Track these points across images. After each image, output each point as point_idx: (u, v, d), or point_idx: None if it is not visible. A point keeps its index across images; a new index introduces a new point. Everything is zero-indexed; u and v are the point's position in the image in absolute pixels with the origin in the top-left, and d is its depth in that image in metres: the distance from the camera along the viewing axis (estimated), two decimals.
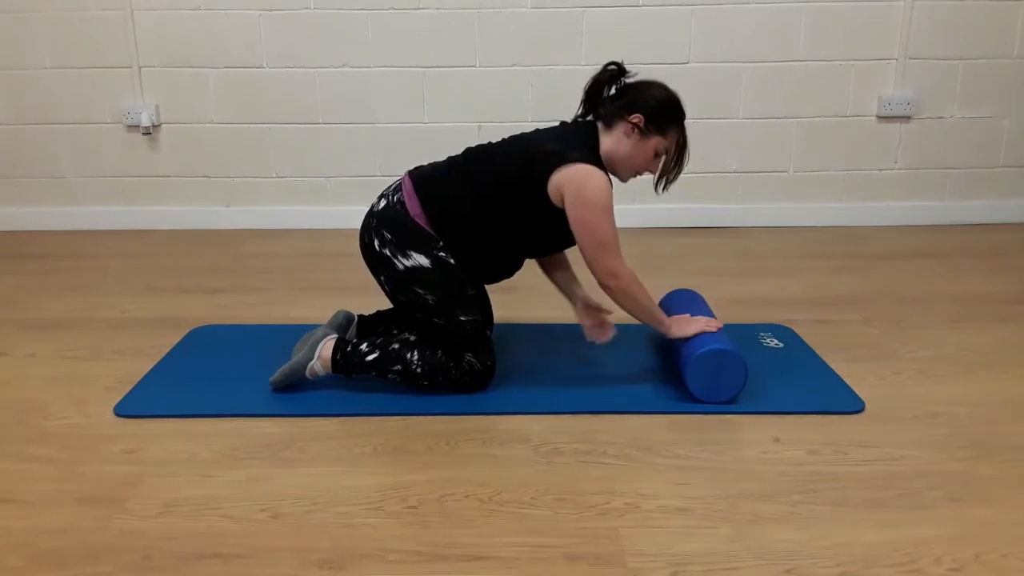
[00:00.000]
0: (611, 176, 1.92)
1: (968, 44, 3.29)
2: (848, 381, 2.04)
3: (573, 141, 1.89)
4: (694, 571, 1.37)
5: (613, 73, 1.94)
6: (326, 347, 1.99)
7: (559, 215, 1.86)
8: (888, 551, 1.41)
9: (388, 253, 1.92)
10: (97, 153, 3.46)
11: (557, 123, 2.01)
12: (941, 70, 3.33)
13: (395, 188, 1.99)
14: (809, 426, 1.84)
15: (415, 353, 1.96)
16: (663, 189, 1.97)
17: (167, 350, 2.26)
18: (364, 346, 1.98)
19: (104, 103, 3.40)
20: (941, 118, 3.39)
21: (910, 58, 3.31)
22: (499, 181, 1.89)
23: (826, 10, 3.26)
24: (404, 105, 3.38)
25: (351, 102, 3.39)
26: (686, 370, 1.91)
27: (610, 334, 2.10)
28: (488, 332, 2.01)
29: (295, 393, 2.00)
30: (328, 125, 3.42)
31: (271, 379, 1.99)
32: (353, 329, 2.18)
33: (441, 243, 1.91)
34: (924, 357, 2.21)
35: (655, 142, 1.90)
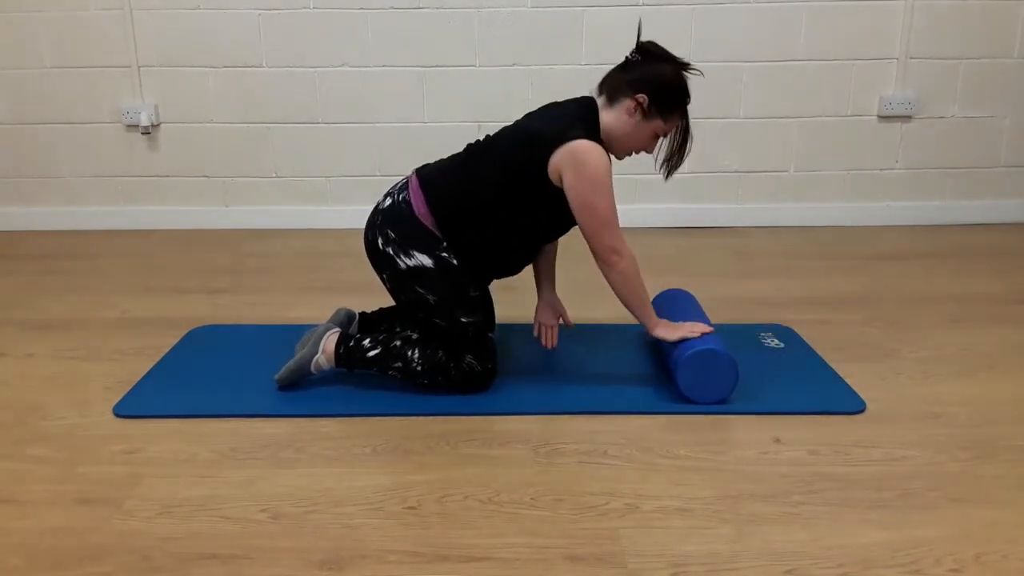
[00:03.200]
0: (608, 152, 1.87)
1: (968, 44, 3.29)
2: (848, 381, 2.04)
3: (571, 119, 1.84)
4: (694, 572, 1.37)
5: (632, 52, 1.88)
6: (329, 341, 2.00)
7: (561, 197, 1.84)
8: (888, 552, 1.41)
9: (391, 252, 1.92)
10: (96, 153, 3.46)
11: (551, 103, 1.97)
12: (941, 70, 3.33)
13: (401, 186, 1.98)
14: (809, 426, 1.84)
15: (416, 351, 1.96)
16: (667, 175, 1.93)
17: (167, 350, 2.25)
18: (367, 342, 1.98)
19: (103, 103, 3.39)
20: (942, 118, 3.39)
21: (911, 58, 3.30)
22: (502, 170, 1.87)
23: (826, 10, 3.25)
24: (404, 105, 3.38)
25: (351, 102, 3.38)
26: (677, 371, 1.91)
27: (555, 342, 2.15)
28: (490, 334, 2.01)
29: (295, 393, 1.99)
30: (328, 125, 3.41)
31: (276, 377, 1.99)
32: (355, 327, 2.18)
33: (445, 243, 1.91)
34: (924, 357, 2.20)
35: (656, 125, 1.86)
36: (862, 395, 1.97)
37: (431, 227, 1.90)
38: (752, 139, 3.41)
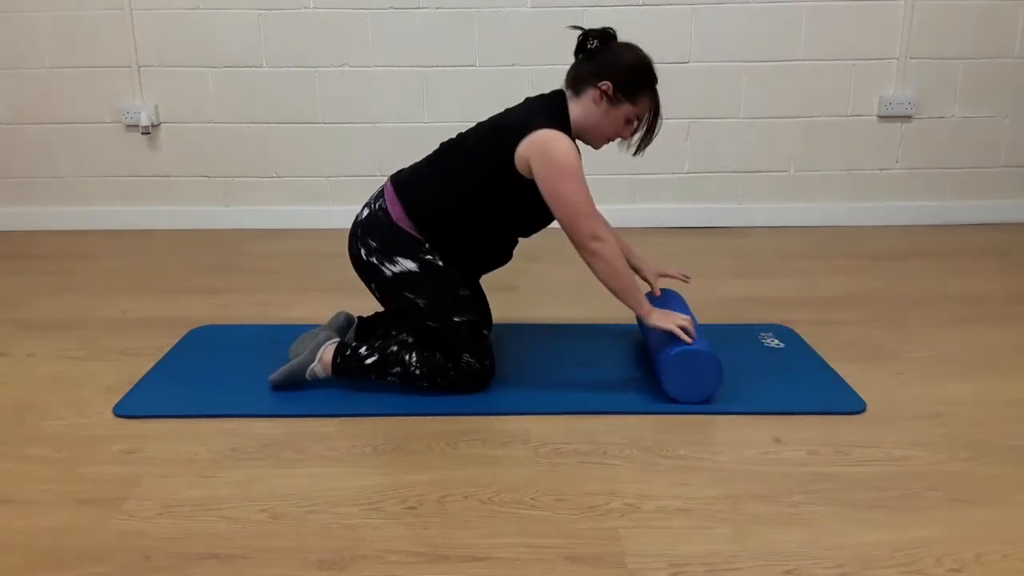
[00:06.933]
0: (584, 143, 1.91)
1: (968, 44, 3.29)
2: (848, 381, 2.04)
3: (539, 112, 1.86)
4: (694, 571, 1.37)
5: (582, 37, 1.91)
6: (327, 351, 1.99)
7: (533, 188, 1.84)
8: (889, 552, 1.41)
9: (375, 261, 1.92)
10: (96, 153, 3.46)
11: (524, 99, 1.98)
12: (941, 70, 3.33)
13: (377, 195, 1.99)
14: (809, 426, 1.84)
15: (413, 355, 1.95)
16: (636, 154, 1.94)
17: (167, 350, 2.25)
18: (363, 349, 1.98)
19: (103, 103, 3.39)
20: (942, 118, 3.39)
21: (910, 58, 3.31)
22: (472, 163, 1.88)
23: (826, 10, 3.25)
24: (404, 105, 3.38)
25: (351, 102, 3.38)
26: (662, 371, 1.91)
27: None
28: (486, 332, 2.00)
29: (295, 393, 1.99)
30: (328, 125, 3.41)
31: (271, 377, 1.99)
32: (353, 331, 2.18)
33: (427, 245, 1.91)
34: (924, 357, 2.20)
35: (625, 110, 1.86)
36: (862, 395, 1.97)
37: (411, 231, 1.91)
38: (752, 139, 3.41)
